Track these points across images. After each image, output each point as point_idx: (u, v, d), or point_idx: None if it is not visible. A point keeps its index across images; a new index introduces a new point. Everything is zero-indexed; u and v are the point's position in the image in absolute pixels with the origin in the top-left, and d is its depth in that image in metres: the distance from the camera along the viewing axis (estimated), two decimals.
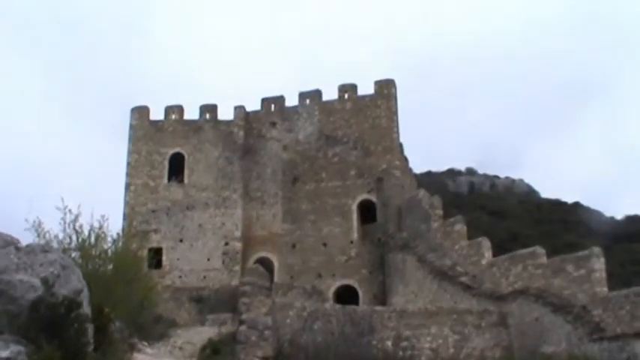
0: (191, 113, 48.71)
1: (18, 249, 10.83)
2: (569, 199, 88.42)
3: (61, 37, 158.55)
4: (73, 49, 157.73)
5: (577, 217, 78.18)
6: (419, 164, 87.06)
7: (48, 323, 10.29)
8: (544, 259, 26.02)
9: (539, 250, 26.40)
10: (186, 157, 47.11)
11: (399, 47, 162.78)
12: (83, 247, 17.47)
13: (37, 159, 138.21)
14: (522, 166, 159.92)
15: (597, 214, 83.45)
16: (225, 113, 48.68)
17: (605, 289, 23.06)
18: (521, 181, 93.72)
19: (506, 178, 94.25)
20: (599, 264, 23.41)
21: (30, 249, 11.24)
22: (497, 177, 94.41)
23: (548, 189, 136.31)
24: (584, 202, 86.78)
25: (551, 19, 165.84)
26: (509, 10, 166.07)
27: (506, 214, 75.92)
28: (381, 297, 39.18)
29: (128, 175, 46.57)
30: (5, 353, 9.51)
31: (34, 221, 17.19)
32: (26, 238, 14.14)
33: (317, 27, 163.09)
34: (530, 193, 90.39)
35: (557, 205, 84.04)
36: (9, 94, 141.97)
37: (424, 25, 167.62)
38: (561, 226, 71.35)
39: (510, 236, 58.30)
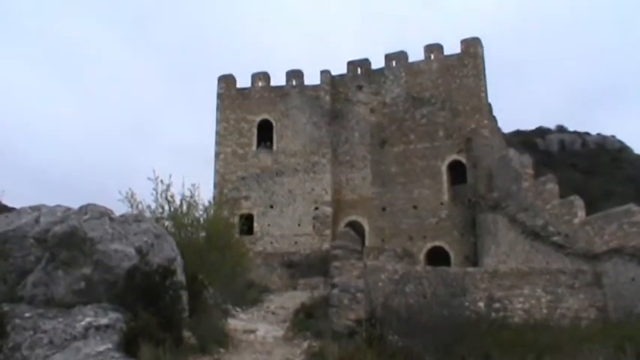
0: (277, 80, 49.07)
1: (112, 219, 11.15)
2: None
3: (147, 9, 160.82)
4: (159, 20, 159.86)
5: None
6: (508, 123, 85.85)
7: (143, 291, 10.61)
8: (639, 217, 25.38)
9: (634, 207, 25.70)
10: (274, 123, 47.48)
11: (486, 4, 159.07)
12: (175, 216, 17.84)
13: (128, 131, 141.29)
14: (614, 122, 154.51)
15: None
16: (312, 78, 48.85)
17: None
18: (613, 137, 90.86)
19: (598, 134, 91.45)
20: None
21: (123, 219, 11.57)
22: (588, 134, 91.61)
23: None
24: None
25: None
26: None
27: (599, 172, 73.94)
28: (473, 258, 38.99)
29: (217, 143, 47.29)
30: (104, 320, 9.86)
31: (127, 192, 17.67)
32: (120, 209, 14.55)
33: None
34: (623, 149, 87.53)
35: None
36: (98, 63, 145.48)
37: None
38: None
39: (603, 194, 56.62)
